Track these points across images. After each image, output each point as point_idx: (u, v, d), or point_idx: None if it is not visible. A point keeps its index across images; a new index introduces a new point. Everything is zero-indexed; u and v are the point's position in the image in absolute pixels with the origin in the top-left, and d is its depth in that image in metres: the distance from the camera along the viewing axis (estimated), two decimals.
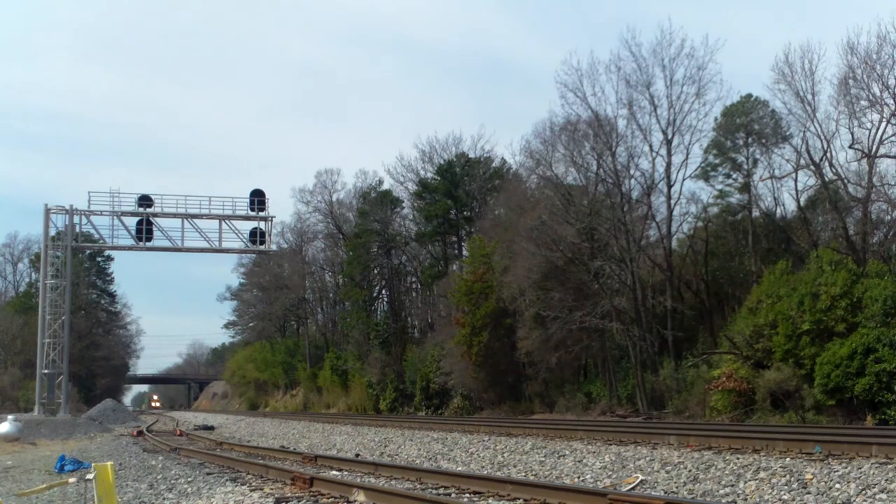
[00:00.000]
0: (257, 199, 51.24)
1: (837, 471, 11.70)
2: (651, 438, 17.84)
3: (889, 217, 31.86)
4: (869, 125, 30.33)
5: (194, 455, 24.18)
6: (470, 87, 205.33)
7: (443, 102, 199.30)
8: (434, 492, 13.15)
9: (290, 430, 37.94)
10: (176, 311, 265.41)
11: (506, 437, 22.12)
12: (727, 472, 12.93)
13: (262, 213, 51.36)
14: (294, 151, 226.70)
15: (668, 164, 36.59)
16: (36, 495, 13.87)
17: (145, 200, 50.44)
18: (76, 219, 50.90)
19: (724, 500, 11.39)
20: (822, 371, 24.30)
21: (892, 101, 29.30)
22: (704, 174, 39.19)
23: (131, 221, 50.18)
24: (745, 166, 38.11)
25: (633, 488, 13.03)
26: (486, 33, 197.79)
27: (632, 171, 38.12)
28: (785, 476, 11.91)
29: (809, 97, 31.89)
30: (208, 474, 17.68)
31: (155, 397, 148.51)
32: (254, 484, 15.29)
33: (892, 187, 31.69)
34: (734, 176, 38.98)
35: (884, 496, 10.19)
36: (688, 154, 36.72)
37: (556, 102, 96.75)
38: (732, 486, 12.11)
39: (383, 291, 68.41)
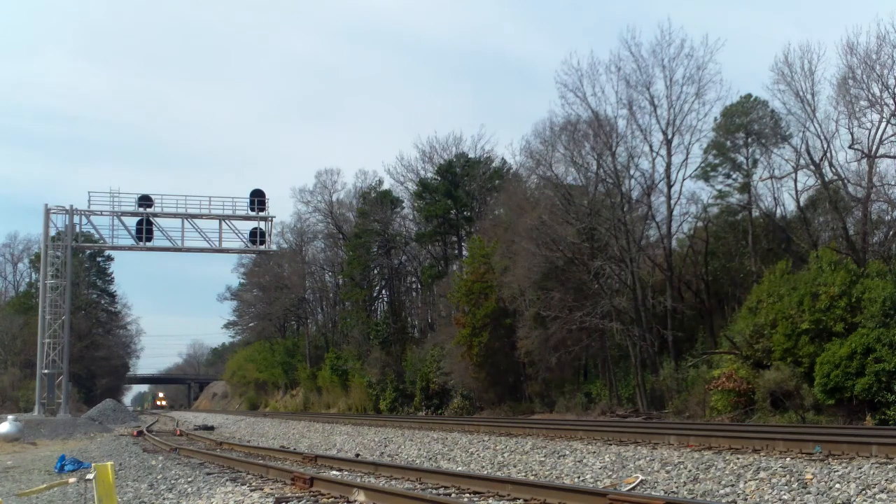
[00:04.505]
0: (257, 199, 51.27)
1: (837, 471, 11.70)
2: (651, 438, 17.84)
3: (889, 217, 31.88)
4: (869, 125, 30.36)
5: (194, 455, 24.17)
6: (470, 86, 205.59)
7: (443, 102, 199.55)
8: (434, 492, 13.15)
9: (290, 430, 37.94)
10: (176, 311, 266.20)
11: (506, 437, 22.12)
12: (727, 472, 12.93)
13: (262, 213, 51.44)
14: (294, 151, 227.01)
15: (668, 164, 36.62)
16: (36, 495, 13.88)
17: (145, 200, 50.46)
18: (76, 219, 50.93)
19: (724, 500, 11.39)
20: (821, 371, 24.31)
21: (891, 101, 29.30)
22: (704, 174, 39.18)
23: (131, 221, 50.30)
24: (745, 166, 38.09)
25: (633, 488, 13.03)
26: (487, 32, 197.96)
27: (632, 171, 38.21)
28: (785, 476, 11.91)
29: (809, 97, 31.94)
30: (208, 474, 17.68)
31: (161, 395, 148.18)
32: (254, 484, 15.29)
33: (892, 187, 31.70)
34: (734, 176, 38.97)
35: (884, 496, 10.19)
36: (688, 154, 36.80)
37: (556, 102, 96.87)
38: (732, 486, 12.11)
39: (383, 291, 68.45)
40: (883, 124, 29.72)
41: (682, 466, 13.90)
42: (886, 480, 10.74)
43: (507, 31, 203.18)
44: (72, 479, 13.62)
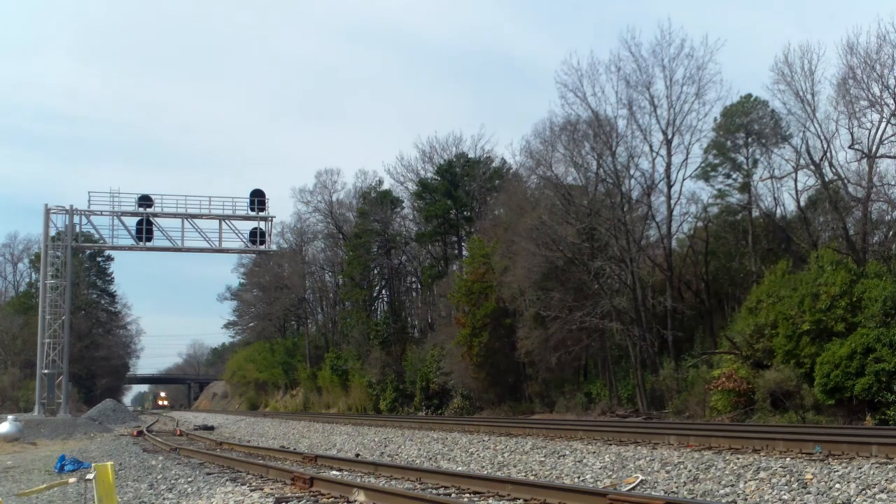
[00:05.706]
0: (257, 199, 51.25)
1: (837, 471, 11.70)
2: (651, 438, 17.84)
3: (889, 217, 31.88)
4: (869, 125, 30.35)
5: (194, 455, 24.17)
6: (470, 86, 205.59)
7: (443, 102, 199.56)
8: (434, 492, 13.14)
9: (290, 430, 37.94)
10: (176, 311, 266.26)
11: (506, 437, 22.12)
12: (727, 472, 12.93)
13: (262, 213, 51.40)
14: (294, 151, 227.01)
15: (668, 164, 36.63)
16: (36, 495, 13.87)
17: (145, 200, 50.43)
18: (76, 219, 50.89)
19: (724, 500, 11.39)
20: (821, 371, 24.30)
21: (892, 101, 29.30)
22: (704, 174, 39.17)
23: (131, 221, 50.25)
24: (745, 166, 38.07)
25: (633, 488, 13.03)
26: (487, 32, 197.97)
27: (632, 171, 38.21)
28: (785, 476, 11.91)
29: (809, 97, 31.94)
30: (208, 474, 17.68)
31: (162, 395, 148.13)
32: (254, 484, 15.29)
33: (892, 187, 31.71)
34: (734, 176, 38.94)
35: (884, 496, 10.19)
36: (688, 154, 36.81)
37: (556, 102, 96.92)
38: (732, 486, 12.11)
39: (383, 291, 68.45)
40: (883, 124, 29.75)
41: (682, 466, 13.90)
42: (886, 480, 10.74)
43: (507, 31, 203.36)
44: (72, 479, 13.62)
